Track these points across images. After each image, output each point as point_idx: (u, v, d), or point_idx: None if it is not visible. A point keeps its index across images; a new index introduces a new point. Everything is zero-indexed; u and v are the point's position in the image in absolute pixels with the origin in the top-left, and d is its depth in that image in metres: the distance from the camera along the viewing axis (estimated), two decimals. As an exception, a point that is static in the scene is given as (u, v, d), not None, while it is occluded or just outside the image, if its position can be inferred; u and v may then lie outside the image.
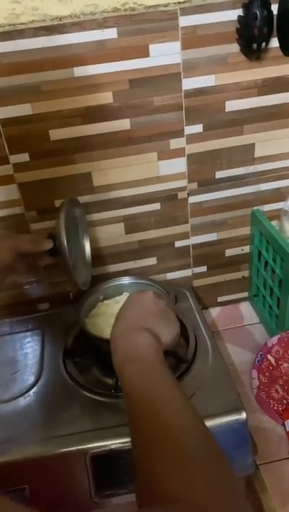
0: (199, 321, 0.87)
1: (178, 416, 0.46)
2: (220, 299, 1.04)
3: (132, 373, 0.51)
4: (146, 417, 0.47)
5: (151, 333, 0.55)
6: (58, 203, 0.84)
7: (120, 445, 0.65)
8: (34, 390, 0.76)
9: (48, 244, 0.69)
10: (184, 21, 0.72)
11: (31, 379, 0.78)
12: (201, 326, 0.86)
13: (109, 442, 0.66)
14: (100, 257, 0.92)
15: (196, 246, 0.96)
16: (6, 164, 0.79)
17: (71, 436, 0.67)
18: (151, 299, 0.60)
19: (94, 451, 0.65)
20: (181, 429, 0.45)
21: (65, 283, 0.90)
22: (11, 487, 0.64)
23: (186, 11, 0.71)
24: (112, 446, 0.65)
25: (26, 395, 0.75)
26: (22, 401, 0.74)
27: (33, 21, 0.69)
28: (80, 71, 0.73)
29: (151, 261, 0.96)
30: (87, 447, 0.65)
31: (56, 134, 0.78)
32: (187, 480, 0.39)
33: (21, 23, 0.69)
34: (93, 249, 0.90)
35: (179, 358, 0.77)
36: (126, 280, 0.87)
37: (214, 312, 1.04)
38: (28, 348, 0.86)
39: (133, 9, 0.71)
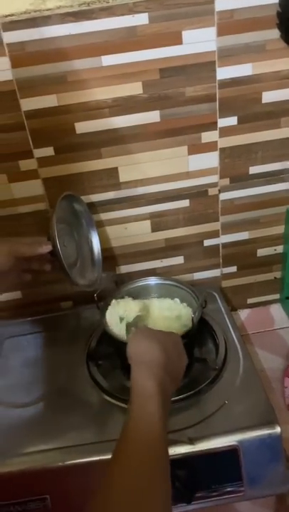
0: (229, 324, 0.83)
1: (156, 490, 0.44)
2: (249, 301, 0.99)
3: (153, 409, 0.49)
4: (130, 466, 0.45)
5: (172, 387, 0.55)
6: (83, 199, 0.81)
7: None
8: (56, 393, 0.73)
9: (47, 247, 0.66)
10: (221, 5, 0.67)
11: (54, 382, 0.76)
12: (231, 329, 0.82)
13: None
14: (124, 255, 0.89)
15: (226, 245, 0.91)
16: (30, 158, 0.76)
17: (94, 445, 0.64)
18: (185, 361, 0.61)
19: (118, 461, 0.62)
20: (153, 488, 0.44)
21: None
22: (32, 496, 0.62)
23: (223, -6, 0.66)
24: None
25: (48, 398, 0.72)
26: (44, 405, 0.72)
27: (60, 7, 0.66)
28: (108, 60, 0.69)
29: (178, 260, 0.92)
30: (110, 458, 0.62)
31: (82, 127, 0.74)
32: None
33: (47, 9, 0.66)
34: (117, 247, 0.88)
35: (208, 366, 0.73)
36: (152, 281, 0.84)
37: (243, 314, 0.99)
38: (51, 348, 0.84)
39: (166, -8, 0.66)
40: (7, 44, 0.66)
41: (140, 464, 0.45)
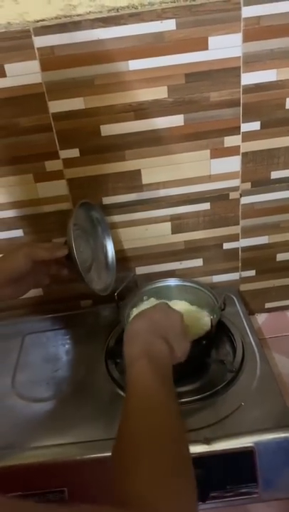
0: (247, 327, 0.84)
1: (167, 425, 0.48)
2: (267, 305, 1.00)
3: (142, 368, 0.53)
4: (137, 414, 0.48)
5: (169, 344, 0.58)
6: (105, 200, 0.83)
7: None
8: (74, 389, 0.75)
9: (63, 251, 0.69)
10: (248, 12, 0.68)
11: (72, 378, 0.77)
12: (249, 333, 0.82)
13: (150, 450, 0.63)
14: (144, 256, 0.90)
15: (245, 249, 0.92)
16: (56, 159, 0.78)
17: (111, 440, 0.65)
18: (178, 316, 0.62)
19: (134, 458, 0.63)
20: (165, 439, 0.46)
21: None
22: (50, 488, 0.63)
23: (251, 1, 0.67)
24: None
25: (66, 394, 0.74)
26: (62, 400, 0.73)
27: (90, 13, 0.67)
28: (135, 64, 0.71)
29: (198, 262, 0.93)
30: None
31: (107, 130, 0.76)
32: (151, 487, 0.40)
33: (78, 15, 0.68)
34: (138, 248, 0.89)
35: (225, 367, 0.73)
36: (171, 282, 0.85)
37: (261, 318, 0.99)
38: (70, 345, 0.85)
39: (194, -1, 0.67)
40: (37, 48, 0.69)
41: (141, 413, 0.48)
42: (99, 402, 0.72)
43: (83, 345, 0.85)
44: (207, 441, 0.63)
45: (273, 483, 0.63)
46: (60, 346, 0.85)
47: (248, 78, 0.73)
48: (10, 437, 0.68)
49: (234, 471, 0.64)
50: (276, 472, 0.63)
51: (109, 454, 0.63)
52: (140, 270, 0.91)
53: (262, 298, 0.99)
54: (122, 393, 0.73)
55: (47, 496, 0.63)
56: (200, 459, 0.62)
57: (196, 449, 0.62)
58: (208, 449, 0.62)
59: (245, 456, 0.63)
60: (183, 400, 0.70)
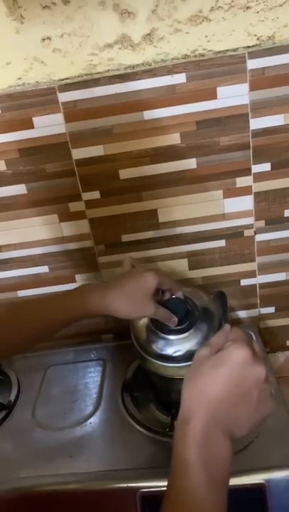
0: (263, 364, 0.83)
1: None
2: (289, 343, 0.99)
3: (196, 481, 0.46)
4: None
5: (233, 439, 0.48)
6: (124, 237, 0.87)
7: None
8: (91, 420, 0.77)
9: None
10: (253, 64, 0.73)
11: (89, 409, 0.80)
12: (265, 369, 0.82)
13: (160, 483, 0.64)
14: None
15: (263, 285, 0.93)
16: (79, 201, 0.84)
17: (122, 471, 0.67)
18: (254, 384, 0.49)
19: (144, 490, 0.63)
20: None
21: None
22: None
23: (255, 55, 0.72)
24: (164, 489, 0.63)
25: (83, 424, 0.76)
26: (78, 430, 0.75)
27: (108, 70, 0.75)
28: (149, 114, 0.77)
29: (216, 298, 0.95)
30: (137, 486, 0.64)
31: (125, 173, 0.82)
32: None
33: (97, 73, 0.75)
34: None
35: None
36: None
37: (283, 356, 0.99)
38: (90, 377, 0.88)
39: (202, 55, 0.74)
40: (62, 103, 0.76)
41: None
42: (113, 434, 0.74)
43: (102, 377, 0.87)
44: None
45: (285, 524, 0.62)
46: (80, 378, 0.88)
47: (256, 123, 0.77)
48: (28, 465, 0.70)
49: (245, 509, 0.63)
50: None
51: (117, 485, 0.65)
52: (159, 305, 0.94)
53: (283, 335, 0.98)
54: (137, 427, 0.74)
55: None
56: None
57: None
58: (218, 485, 0.62)
59: (256, 493, 0.62)
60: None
